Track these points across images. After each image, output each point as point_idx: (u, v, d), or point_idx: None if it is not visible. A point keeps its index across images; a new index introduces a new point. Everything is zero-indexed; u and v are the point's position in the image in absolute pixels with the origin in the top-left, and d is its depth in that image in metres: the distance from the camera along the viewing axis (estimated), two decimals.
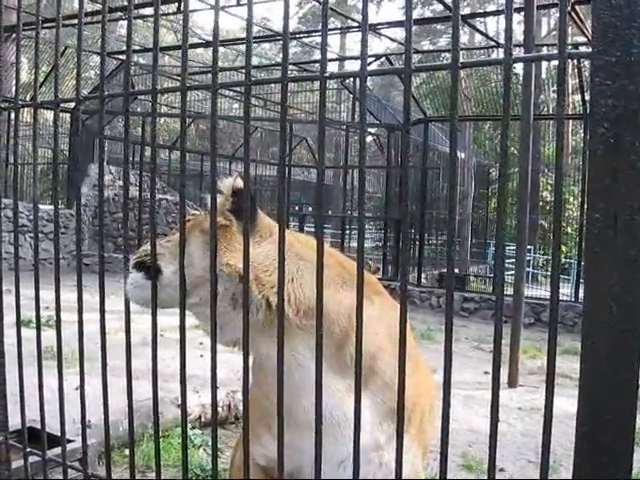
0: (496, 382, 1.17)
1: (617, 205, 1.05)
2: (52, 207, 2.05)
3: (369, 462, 1.80)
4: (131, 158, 21.93)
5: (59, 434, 1.96)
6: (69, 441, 2.72)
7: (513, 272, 8.59)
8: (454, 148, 1.18)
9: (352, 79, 15.99)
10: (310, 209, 21.64)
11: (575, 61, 12.58)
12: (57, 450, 2.25)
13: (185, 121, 1.67)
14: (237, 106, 21.82)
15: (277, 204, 1.53)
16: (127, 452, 3.95)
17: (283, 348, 1.38)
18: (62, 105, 1.90)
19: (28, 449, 2.06)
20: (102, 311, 1.79)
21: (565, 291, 14.65)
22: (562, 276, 18.53)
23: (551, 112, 18.08)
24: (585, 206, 1.20)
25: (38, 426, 2.06)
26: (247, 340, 1.44)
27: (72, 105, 12.37)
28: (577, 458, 1.06)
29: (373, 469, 1.83)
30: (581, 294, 11.85)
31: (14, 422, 2.26)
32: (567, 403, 4.67)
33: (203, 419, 4.66)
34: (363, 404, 2.03)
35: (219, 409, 4.77)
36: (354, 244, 17.31)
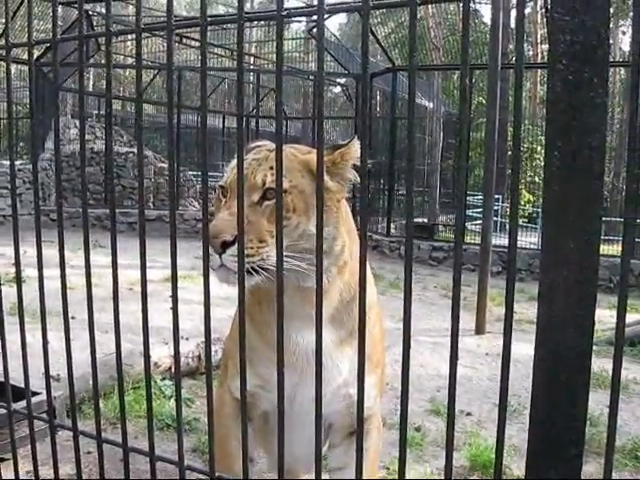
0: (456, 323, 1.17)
1: (575, 142, 1.04)
2: (17, 162, 2.00)
3: (340, 397, 2.11)
4: (96, 111, 21.55)
5: None
6: (36, 394, 2.71)
7: (481, 221, 8.65)
8: (413, 86, 1.16)
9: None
10: None
11: (544, 10, 12.50)
12: (25, 403, 2.24)
13: (140, 67, 1.62)
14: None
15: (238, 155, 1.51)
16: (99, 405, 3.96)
17: (282, 305, 1.34)
18: (21, 57, 1.84)
19: None
20: (62, 264, 1.75)
21: (533, 240, 14.85)
22: (530, 225, 18.76)
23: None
24: None
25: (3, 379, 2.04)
26: (243, 277, 1.39)
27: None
28: (535, 391, 1.08)
29: (339, 399, 2.12)
30: None
31: None
32: (533, 348, 4.78)
33: (174, 370, 4.68)
34: (347, 354, 2.09)
35: (189, 360, 4.79)
36: None
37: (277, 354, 1.33)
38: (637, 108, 1.05)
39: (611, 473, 1.08)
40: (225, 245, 1.76)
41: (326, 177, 1.91)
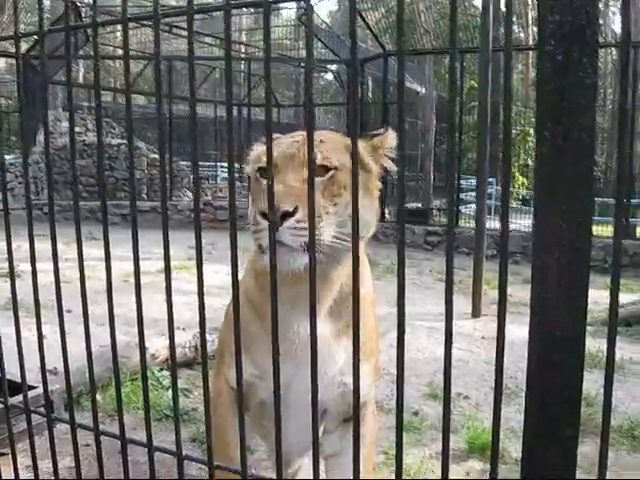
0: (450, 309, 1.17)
1: (566, 123, 1.04)
2: (8, 156, 1.98)
3: (335, 384, 2.20)
4: (87, 103, 21.45)
5: None
6: (32, 387, 2.71)
7: (475, 205, 8.66)
8: (402, 71, 1.15)
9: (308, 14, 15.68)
10: None
11: None
12: (22, 397, 2.24)
13: (128, 58, 1.61)
14: (196, 46, 21.28)
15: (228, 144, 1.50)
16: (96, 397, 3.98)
17: (276, 298, 1.33)
18: (9, 51, 1.82)
19: None
20: (55, 258, 1.75)
21: (526, 222, 14.86)
22: (523, 207, 18.76)
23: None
24: None
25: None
26: (235, 254, 1.39)
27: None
28: (529, 373, 1.08)
29: (334, 387, 2.21)
30: None
31: None
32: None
33: (170, 360, 4.69)
34: (344, 345, 2.12)
35: (186, 350, 4.80)
36: None
37: (272, 344, 1.33)
38: (629, 88, 1.05)
39: (607, 453, 1.08)
40: (284, 217, 1.67)
41: (370, 160, 1.97)
